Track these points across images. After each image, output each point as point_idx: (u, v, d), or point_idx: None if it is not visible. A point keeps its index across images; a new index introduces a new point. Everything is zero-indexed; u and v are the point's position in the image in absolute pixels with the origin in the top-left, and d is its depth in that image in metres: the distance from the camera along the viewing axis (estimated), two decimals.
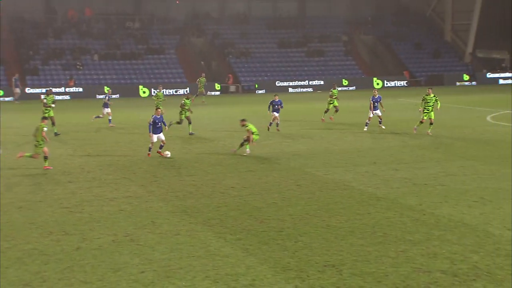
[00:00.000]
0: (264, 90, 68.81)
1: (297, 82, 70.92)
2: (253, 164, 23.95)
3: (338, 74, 73.85)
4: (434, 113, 30.83)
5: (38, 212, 17.18)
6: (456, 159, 24.25)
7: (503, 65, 78.35)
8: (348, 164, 23.65)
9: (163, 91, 42.10)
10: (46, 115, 32.68)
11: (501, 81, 73.84)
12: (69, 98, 63.70)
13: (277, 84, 69.95)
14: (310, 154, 25.93)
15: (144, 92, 66.55)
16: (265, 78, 71.98)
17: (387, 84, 71.29)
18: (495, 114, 39.36)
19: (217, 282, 11.66)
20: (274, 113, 33.19)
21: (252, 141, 25.86)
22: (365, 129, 33.16)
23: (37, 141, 23.64)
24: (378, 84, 71.16)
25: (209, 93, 66.02)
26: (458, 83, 72.98)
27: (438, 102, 30.97)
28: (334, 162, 24.15)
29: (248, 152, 25.84)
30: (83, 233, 14.98)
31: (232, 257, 12.98)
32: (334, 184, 20.15)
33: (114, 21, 77.75)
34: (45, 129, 23.75)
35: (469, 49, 79.72)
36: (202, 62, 75.27)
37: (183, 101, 33.25)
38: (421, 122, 30.80)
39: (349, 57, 78.42)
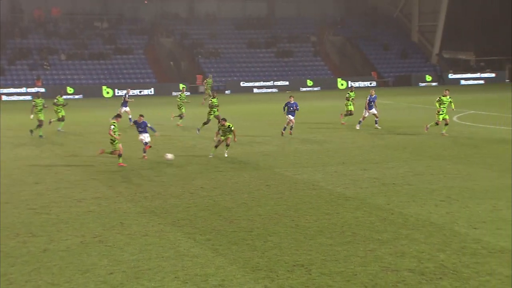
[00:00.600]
0: (229, 91, 68.83)
1: (262, 82, 70.96)
2: (222, 165, 23.93)
3: (307, 74, 74.17)
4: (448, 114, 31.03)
5: (4, 213, 16.96)
6: (423, 158, 24.51)
7: (482, 64, 79.17)
8: (317, 164, 23.77)
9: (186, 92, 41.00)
10: (42, 117, 32.85)
11: (462, 82, 74.68)
12: (30, 98, 62.88)
13: (241, 85, 69.88)
14: (279, 154, 26.00)
15: (107, 93, 66.09)
16: (235, 78, 71.98)
17: (351, 84, 71.72)
18: (460, 114, 39.88)
19: (187, 282, 11.64)
20: (289, 116, 31.29)
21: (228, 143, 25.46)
22: (357, 127, 33.49)
23: (111, 139, 24.03)
24: (342, 84, 71.76)
25: (174, 93, 65.79)
26: (421, 84, 73.78)
27: (452, 103, 31.11)
28: (303, 162, 24.25)
29: (226, 155, 25.48)
30: (50, 235, 14.83)
31: (201, 258, 12.96)
32: (303, 184, 20.23)
33: (81, 21, 77.07)
34: (112, 127, 23.93)
35: (436, 50, 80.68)
36: (172, 63, 75.04)
37: (211, 101, 33.00)
38: (437, 124, 30.82)
39: (318, 57, 78.79)
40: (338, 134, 32.23)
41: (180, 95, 38.36)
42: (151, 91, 66.28)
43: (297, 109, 31.62)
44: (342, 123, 35.93)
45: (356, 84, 71.94)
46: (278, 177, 21.42)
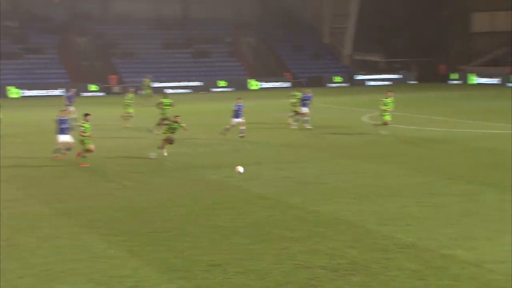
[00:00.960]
0: (144, 91, 68.03)
1: (174, 83, 70.50)
2: (138, 166, 23.74)
3: (223, 75, 74.37)
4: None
5: None
6: (337, 157, 25.08)
7: (398, 65, 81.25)
8: (234, 164, 23.83)
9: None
10: None
11: (370, 83, 76.60)
12: None
13: (157, 85, 68.94)
14: (196, 155, 26.01)
15: (15, 93, 64.17)
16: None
17: (264, 85, 72.56)
18: (372, 114, 40.98)
19: (101, 284, 11.52)
20: (235, 119, 30.10)
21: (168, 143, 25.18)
22: (307, 126, 33.75)
23: (81, 139, 23.80)
24: (256, 85, 72.53)
25: (83, 94, 64.53)
26: (332, 85, 75.17)
27: (393, 104, 32.14)
28: (219, 162, 24.36)
29: (154, 155, 25.04)
30: None
31: (116, 259, 12.85)
32: (220, 184, 20.34)
33: None
34: (81, 128, 23.55)
35: (347, 51, 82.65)
36: (85, 63, 73.65)
37: (161, 101, 32.08)
38: (386, 124, 31.44)
39: (234, 58, 79.24)
40: (255, 134, 32.46)
41: (128, 95, 37.81)
42: (64, 91, 64.71)
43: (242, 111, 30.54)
44: (289, 120, 35.51)
45: (270, 84, 72.91)
46: (195, 177, 21.46)
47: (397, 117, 39.39)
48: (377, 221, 15.61)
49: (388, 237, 14.20)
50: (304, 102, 34.23)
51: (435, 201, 17.48)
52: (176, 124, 25.22)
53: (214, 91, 69.63)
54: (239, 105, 30.59)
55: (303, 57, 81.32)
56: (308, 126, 33.76)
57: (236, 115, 30.37)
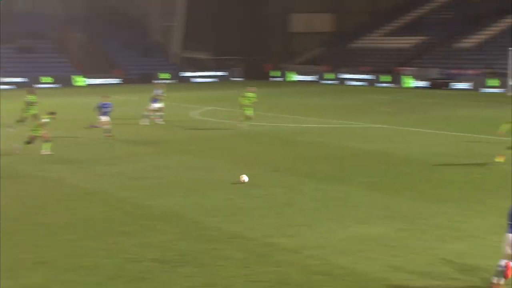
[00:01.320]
0: None
1: None
2: None
3: (49, 71, 72.10)
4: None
5: None
6: (169, 153, 25.38)
7: (232, 63, 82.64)
8: (63, 161, 23.49)
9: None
10: None
11: (198, 79, 77.78)
12: None
13: None
14: (22, 152, 25.09)
15: None
16: None
17: (91, 81, 71.39)
18: (201, 110, 41.72)
19: None
20: (103, 117, 29.10)
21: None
22: (144, 123, 33.73)
23: None
24: (83, 81, 71.19)
25: None
26: (158, 81, 75.48)
27: (254, 98, 32.96)
28: (47, 159, 23.79)
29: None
30: None
31: None
32: (49, 181, 19.97)
33: None
34: None
35: (175, 49, 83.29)
36: None
37: (27, 98, 29.83)
38: (249, 118, 32.00)
39: (61, 54, 77.04)
40: (84, 131, 31.79)
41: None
42: None
43: (111, 110, 29.76)
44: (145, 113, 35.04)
45: (97, 81, 71.79)
46: (22, 175, 20.92)
47: (223, 112, 40.46)
48: (206, 213, 16.14)
49: (216, 228, 14.76)
50: (155, 99, 34.49)
51: (260, 192, 18.34)
52: (51, 121, 25.00)
53: (38, 87, 67.28)
54: (105, 103, 29.70)
55: (133, 54, 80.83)
56: (144, 123, 33.92)
57: (103, 113, 29.46)
